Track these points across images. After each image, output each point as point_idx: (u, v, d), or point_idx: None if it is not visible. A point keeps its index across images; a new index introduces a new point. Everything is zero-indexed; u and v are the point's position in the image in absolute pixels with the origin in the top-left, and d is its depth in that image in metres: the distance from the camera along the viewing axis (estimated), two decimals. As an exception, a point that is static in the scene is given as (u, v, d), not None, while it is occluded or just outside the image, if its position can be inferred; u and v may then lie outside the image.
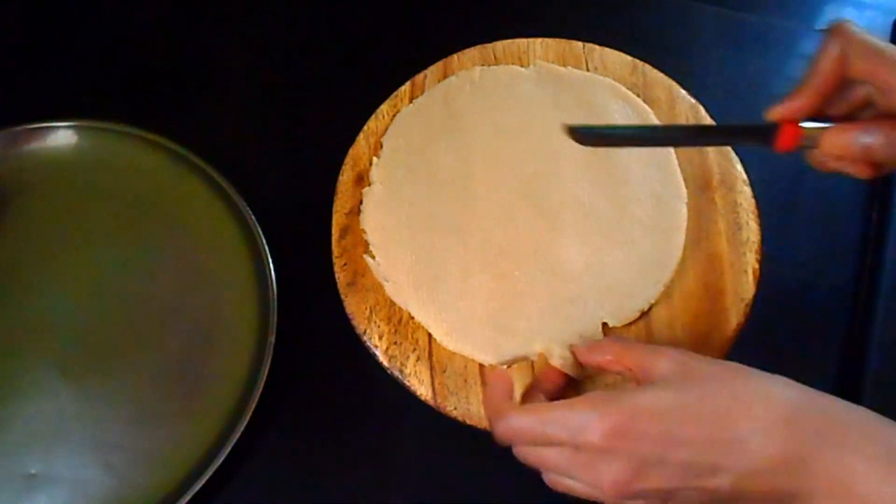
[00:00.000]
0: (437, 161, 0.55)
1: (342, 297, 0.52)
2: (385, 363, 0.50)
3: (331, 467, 0.52)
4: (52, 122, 0.59)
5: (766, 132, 0.42)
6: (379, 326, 0.51)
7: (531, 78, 0.58)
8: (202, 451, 0.49)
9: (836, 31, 0.40)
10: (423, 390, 0.49)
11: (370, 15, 0.68)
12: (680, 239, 0.52)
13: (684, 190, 0.54)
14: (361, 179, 0.55)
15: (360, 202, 0.55)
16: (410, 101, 0.58)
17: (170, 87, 0.65)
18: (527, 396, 0.46)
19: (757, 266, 0.51)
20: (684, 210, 0.53)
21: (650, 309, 0.51)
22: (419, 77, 0.59)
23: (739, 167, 0.54)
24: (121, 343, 0.53)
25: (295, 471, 0.52)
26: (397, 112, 0.57)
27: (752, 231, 0.52)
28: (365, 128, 0.57)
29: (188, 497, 0.47)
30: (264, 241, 0.54)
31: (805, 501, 0.34)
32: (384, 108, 0.58)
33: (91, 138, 0.59)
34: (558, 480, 0.38)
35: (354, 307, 0.51)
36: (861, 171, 0.41)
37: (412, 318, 0.51)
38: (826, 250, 0.58)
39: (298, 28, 0.68)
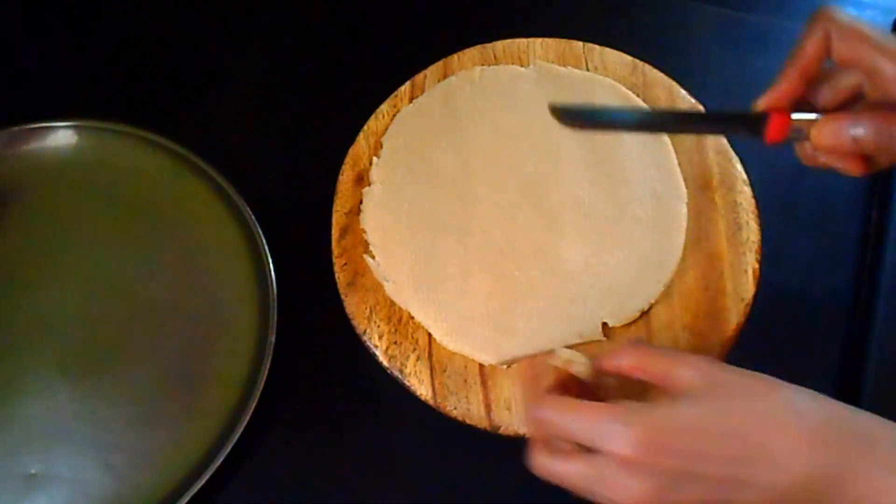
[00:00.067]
0: (437, 161, 0.55)
1: (342, 297, 0.52)
2: (385, 363, 0.50)
3: (331, 467, 0.52)
4: (52, 122, 0.59)
5: (756, 121, 0.40)
6: (379, 326, 0.51)
7: (531, 78, 0.58)
8: (202, 451, 0.49)
9: (820, 14, 0.39)
10: (423, 390, 0.49)
11: (370, 15, 0.68)
12: (680, 239, 0.52)
13: (684, 190, 0.54)
14: (361, 179, 0.55)
15: (360, 202, 0.54)
16: (410, 101, 0.58)
17: (170, 87, 0.65)
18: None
19: (757, 266, 0.51)
20: (684, 210, 0.53)
21: (650, 309, 0.51)
22: (419, 77, 0.59)
23: (739, 167, 0.54)
24: (121, 343, 0.53)
25: (295, 471, 0.52)
26: (397, 112, 0.57)
27: (752, 231, 0.52)
28: (365, 128, 0.57)
29: (188, 497, 0.48)
30: (264, 241, 0.54)
31: None
32: (384, 108, 0.58)
33: (91, 138, 0.59)
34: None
35: (354, 307, 0.51)
36: (853, 168, 0.40)
37: (412, 318, 0.51)
38: (826, 250, 0.58)
39: (298, 28, 0.68)
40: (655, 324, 0.50)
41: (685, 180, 0.54)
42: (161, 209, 0.58)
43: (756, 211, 0.53)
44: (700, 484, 0.34)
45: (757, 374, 0.37)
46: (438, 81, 0.58)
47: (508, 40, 0.60)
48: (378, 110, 0.57)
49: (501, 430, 0.48)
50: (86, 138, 0.60)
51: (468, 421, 0.48)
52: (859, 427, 0.35)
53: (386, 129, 0.57)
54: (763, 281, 0.51)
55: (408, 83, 0.58)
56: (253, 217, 0.55)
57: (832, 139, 0.39)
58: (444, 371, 0.50)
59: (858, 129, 0.38)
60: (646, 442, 0.34)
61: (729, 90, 0.62)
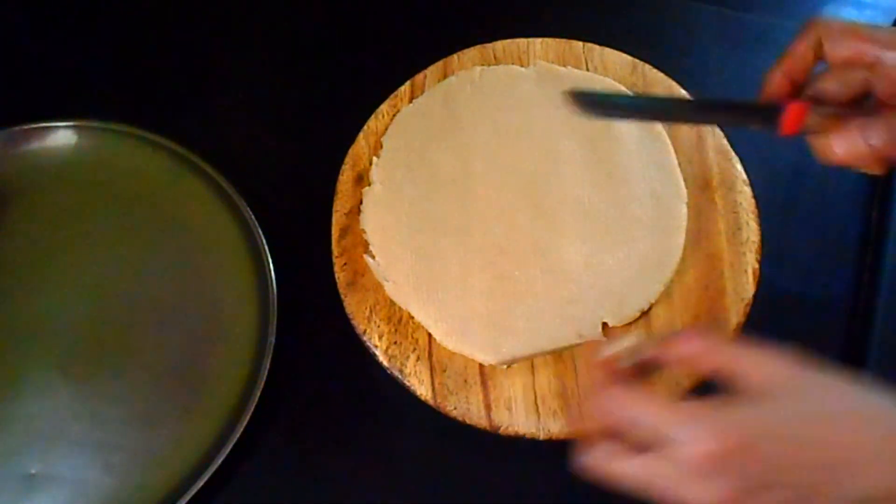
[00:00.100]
0: (436, 161, 0.55)
1: (342, 297, 0.52)
2: (385, 363, 0.50)
3: (331, 467, 0.52)
4: (52, 122, 0.59)
5: (771, 112, 0.39)
6: (379, 326, 0.51)
7: (531, 78, 0.58)
8: (202, 451, 0.49)
9: (811, 22, 0.40)
10: (422, 390, 0.49)
11: (370, 15, 0.68)
12: (680, 239, 0.52)
13: (684, 190, 0.54)
14: (361, 179, 0.55)
15: (360, 202, 0.55)
16: (410, 101, 0.58)
17: (170, 87, 0.65)
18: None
19: (757, 266, 0.51)
20: (684, 210, 0.53)
21: (650, 309, 0.51)
22: (419, 77, 0.59)
23: (739, 167, 0.54)
24: (121, 343, 0.53)
25: (295, 471, 0.52)
26: (397, 112, 0.57)
27: (752, 231, 0.52)
28: (365, 128, 0.57)
29: (188, 497, 0.47)
30: (264, 241, 0.54)
31: None
32: (384, 108, 0.58)
33: (91, 138, 0.59)
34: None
35: (354, 307, 0.51)
36: (874, 168, 0.40)
37: (412, 318, 0.51)
38: (826, 250, 0.58)
39: (298, 28, 0.68)
40: (655, 324, 0.51)
41: (685, 180, 0.54)
42: (161, 209, 0.58)
43: (756, 211, 0.53)
44: (779, 491, 0.33)
45: (838, 374, 0.35)
46: (438, 81, 0.58)
47: (508, 40, 0.60)
48: (378, 110, 0.57)
49: (501, 430, 0.48)
50: (86, 138, 0.59)
51: (468, 421, 0.48)
52: None
53: (386, 129, 0.57)
54: (763, 281, 0.51)
55: (408, 83, 0.58)
56: (253, 217, 0.55)
57: (846, 150, 0.39)
58: (444, 371, 0.50)
59: (872, 136, 0.38)
60: (732, 445, 0.32)
61: (729, 90, 0.62)
